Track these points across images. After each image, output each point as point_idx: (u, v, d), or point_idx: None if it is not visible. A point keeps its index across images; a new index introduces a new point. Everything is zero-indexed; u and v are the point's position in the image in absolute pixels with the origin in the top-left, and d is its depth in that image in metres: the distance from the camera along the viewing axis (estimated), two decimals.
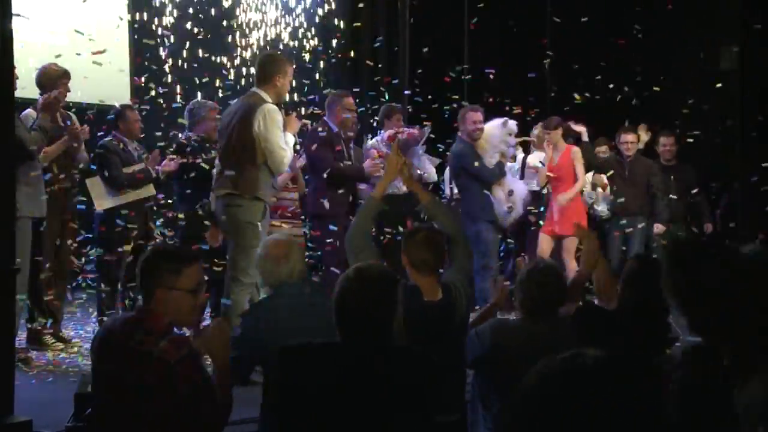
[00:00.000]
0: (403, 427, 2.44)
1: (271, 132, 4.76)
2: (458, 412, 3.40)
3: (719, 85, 7.54)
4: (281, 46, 8.39)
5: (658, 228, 7.14)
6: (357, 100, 6.35)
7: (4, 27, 3.68)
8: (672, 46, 8.76)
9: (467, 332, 3.61)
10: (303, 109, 6.95)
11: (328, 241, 5.53)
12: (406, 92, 8.31)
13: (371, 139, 6.72)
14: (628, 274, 3.39)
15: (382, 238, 5.86)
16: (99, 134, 5.94)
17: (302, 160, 6.38)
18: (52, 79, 5.38)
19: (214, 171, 5.14)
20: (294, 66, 5.17)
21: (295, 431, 2.46)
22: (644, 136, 7.62)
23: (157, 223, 5.95)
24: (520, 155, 7.55)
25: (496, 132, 6.53)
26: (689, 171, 7.60)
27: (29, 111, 5.29)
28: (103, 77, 7.73)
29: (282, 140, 4.83)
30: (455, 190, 7.14)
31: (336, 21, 8.85)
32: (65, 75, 5.45)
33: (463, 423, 3.40)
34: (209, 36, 8.12)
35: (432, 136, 6.73)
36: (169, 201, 5.97)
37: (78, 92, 5.88)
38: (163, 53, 7.74)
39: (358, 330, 2.46)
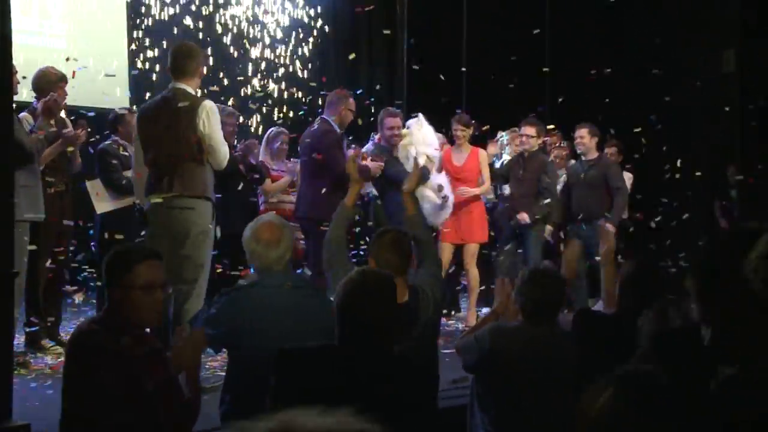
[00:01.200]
0: (402, 429, 2.43)
1: (215, 130, 4.62)
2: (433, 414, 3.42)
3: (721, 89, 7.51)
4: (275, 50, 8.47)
5: (547, 230, 6.58)
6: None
7: (3, 29, 3.66)
8: (672, 51, 8.75)
9: (436, 336, 3.63)
10: None
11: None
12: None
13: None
14: (626, 278, 3.39)
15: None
16: (97, 137, 5.96)
17: (297, 163, 6.39)
18: (50, 83, 5.36)
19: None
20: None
21: None
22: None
23: None
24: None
25: (421, 134, 6.26)
26: (608, 167, 6.85)
27: (25, 114, 5.27)
28: (101, 81, 7.78)
29: (222, 137, 4.72)
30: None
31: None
32: (63, 79, 5.43)
33: (440, 425, 3.41)
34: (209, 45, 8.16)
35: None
36: None
37: (76, 96, 5.88)
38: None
39: (360, 332, 2.46)
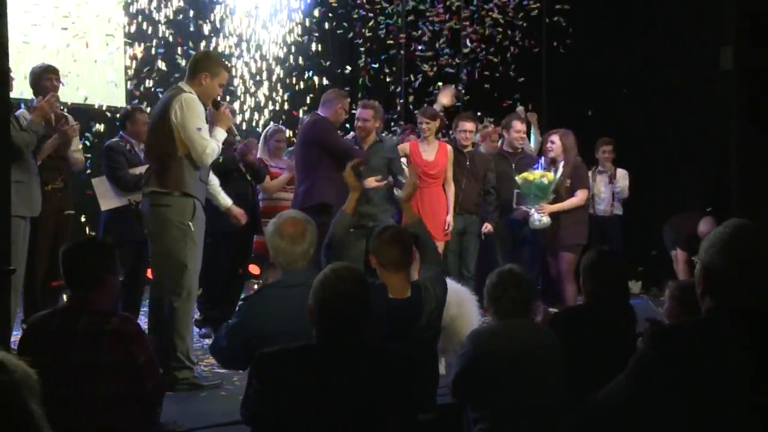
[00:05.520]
0: (387, 427, 2.44)
1: (189, 120, 4.42)
2: (432, 411, 3.42)
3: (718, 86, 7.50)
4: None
5: (486, 227, 6.54)
6: None
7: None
8: (670, 47, 8.74)
9: (437, 333, 3.62)
10: None
11: None
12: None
13: None
14: (587, 267, 3.42)
15: None
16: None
17: (292, 159, 6.39)
18: (36, 75, 5.37)
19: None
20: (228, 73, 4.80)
21: None
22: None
23: None
24: None
25: None
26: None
27: (23, 111, 5.27)
28: (97, 79, 7.78)
29: (204, 130, 4.50)
30: None
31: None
32: (47, 70, 5.41)
33: (439, 422, 3.42)
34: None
35: None
36: None
37: (73, 94, 5.88)
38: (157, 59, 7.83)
39: (336, 330, 2.46)
